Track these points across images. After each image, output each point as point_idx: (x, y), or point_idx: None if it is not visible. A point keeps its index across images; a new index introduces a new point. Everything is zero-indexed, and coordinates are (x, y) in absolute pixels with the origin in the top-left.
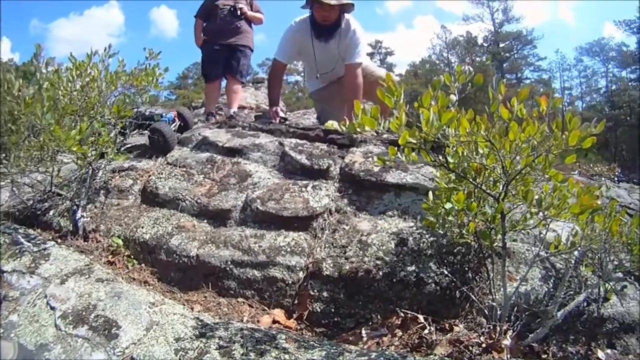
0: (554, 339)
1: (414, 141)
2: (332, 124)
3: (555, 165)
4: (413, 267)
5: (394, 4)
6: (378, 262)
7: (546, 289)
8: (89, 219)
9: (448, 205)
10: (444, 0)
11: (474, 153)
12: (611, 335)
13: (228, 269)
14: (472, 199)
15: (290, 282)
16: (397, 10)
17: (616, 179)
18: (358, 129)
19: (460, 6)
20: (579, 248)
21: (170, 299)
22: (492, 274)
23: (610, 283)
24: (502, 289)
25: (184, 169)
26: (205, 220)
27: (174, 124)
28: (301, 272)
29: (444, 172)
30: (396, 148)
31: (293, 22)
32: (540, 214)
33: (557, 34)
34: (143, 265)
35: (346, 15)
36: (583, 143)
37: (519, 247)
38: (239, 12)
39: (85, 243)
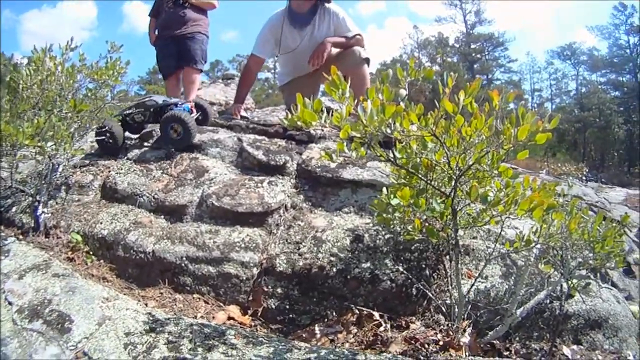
0: (516, 336)
1: (358, 135)
2: (280, 119)
3: (519, 162)
4: (368, 264)
5: (366, 5)
6: (332, 258)
7: (507, 286)
8: (49, 215)
9: (394, 201)
10: (417, 2)
11: (422, 148)
12: (577, 332)
13: (183, 265)
14: (423, 196)
15: (244, 278)
16: (369, 12)
17: (584, 178)
18: (298, 123)
19: (433, 9)
20: (537, 245)
21: (127, 295)
22: (449, 271)
23: (574, 280)
24: (460, 282)
25: (143, 165)
26: (162, 216)
27: (192, 115)
28: (255, 269)
29: (394, 168)
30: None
31: (270, 16)
32: (490, 211)
33: (529, 37)
34: (102, 261)
35: (328, 5)
36: (536, 138)
37: (479, 244)
38: (181, 0)
39: (46, 239)
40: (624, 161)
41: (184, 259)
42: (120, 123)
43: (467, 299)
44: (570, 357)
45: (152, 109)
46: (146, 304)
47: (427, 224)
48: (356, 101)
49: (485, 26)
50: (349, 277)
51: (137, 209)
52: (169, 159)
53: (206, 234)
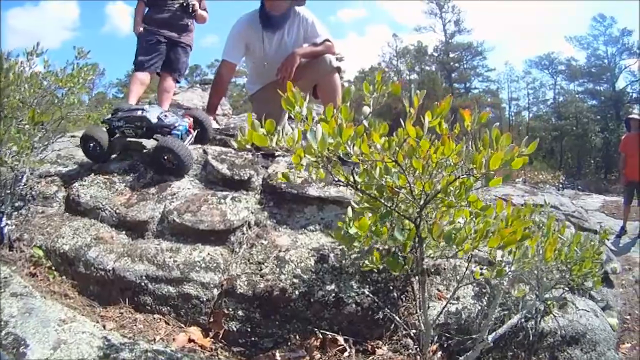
0: (490, 357)
1: (312, 159)
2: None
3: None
4: (333, 287)
5: (347, 13)
6: (295, 280)
7: (479, 307)
8: (13, 227)
9: (352, 230)
10: (398, 10)
11: (385, 173)
12: (553, 349)
13: (143, 284)
14: (387, 219)
15: (205, 299)
16: (350, 19)
17: (561, 185)
18: (246, 145)
19: (413, 19)
20: (509, 273)
21: (87, 313)
22: (418, 294)
23: (549, 300)
24: (426, 310)
25: (107, 176)
26: (124, 232)
27: (189, 137)
28: (215, 290)
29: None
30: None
31: (238, 19)
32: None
33: (508, 47)
34: (64, 277)
35: (298, 9)
36: (512, 164)
37: (449, 263)
38: (191, 8)
39: (10, 252)
40: (601, 168)
41: (144, 278)
42: (106, 129)
43: (437, 322)
44: None
45: (144, 128)
46: (104, 326)
47: (389, 255)
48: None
49: (464, 35)
50: (312, 300)
51: (99, 223)
52: (133, 171)
53: (167, 252)
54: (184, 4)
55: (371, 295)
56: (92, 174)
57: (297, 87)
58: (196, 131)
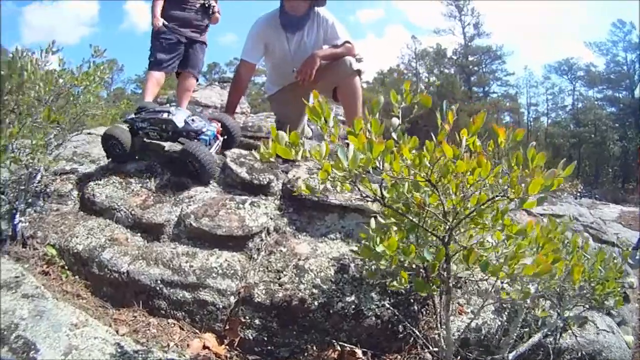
0: None
1: (340, 174)
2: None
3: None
4: (352, 298)
5: (366, 14)
6: (314, 290)
7: (499, 322)
8: (27, 224)
9: (380, 249)
10: (413, 12)
11: (414, 189)
12: None
13: (158, 288)
14: (413, 237)
15: (221, 306)
16: (368, 20)
17: (579, 194)
18: (270, 159)
19: (429, 20)
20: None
21: (100, 316)
22: (439, 307)
23: (569, 318)
24: (449, 326)
25: (123, 176)
26: (139, 234)
27: (216, 144)
28: (232, 297)
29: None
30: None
31: (258, 18)
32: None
33: (527, 51)
34: (77, 277)
35: (318, 9)
36: (552, 187)
37: (469, 277)
38: (211, 10)
39: (23, 249)
40: (618, 177)
41: (159, 282)
42: (129, 129)
43: (457, 337)
44: None
45: (170, 132)
46: (117, 330)
47: (415, 276)
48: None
49: (483, 39)
50: (331, 311)
51: (114, 224)
52: (149, 172)
53: (183, 257)
54: (206, 5)
55: (392, 308)
56: (108, 173)
57: (317, 89)
58: (223, 138)
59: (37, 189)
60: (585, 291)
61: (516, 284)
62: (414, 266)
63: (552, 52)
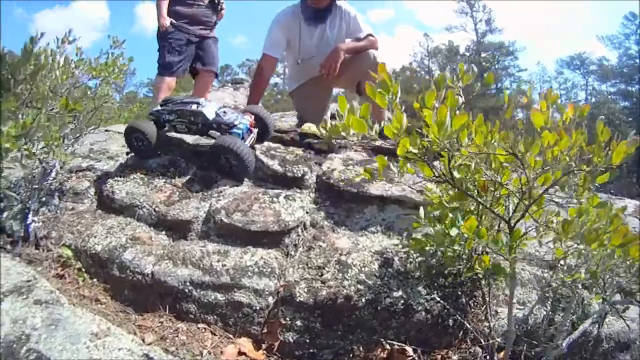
0: None
1: (415, 151)
2: (309, 127)
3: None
4: (400, 293)
5: (377, 13)
6: (360, 286)
7: (544, 312)
8: (40, 224)
9: (454, 232)
10: (424, 10)
11: (488, 167)
12: (606, 355)
13: (187, 290)
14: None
15: (258, 308)
16: (379, 19)
17: (593, 189)
18: (342, 133)
19: (440, 19)
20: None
21: (123, 320)
22: (487, 299)
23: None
24: (499, 316)
25: (144, 172)
26: (164, 232)
27: (250, 137)
28: (271, 297)
29: (444, 188)
30: (385, 157)
31: (279, 11)
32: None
33: (539, 46)
34: (95, 280)
35: (340, 3)
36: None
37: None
38: (219, 6)
39: (36, 251)
40: (633, 172)
41: (188, 283)
42: (154, 122)
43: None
44: None
45: (199, 124)
46: (143, 339)
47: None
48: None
49: (495, 35)
50: (379, 307)
51: (136, 222)
52: (173, 167)
53: (214, 255)
54: (215, 1)
55: (441, 301)
56: (128, 169)
57: (340, 83)
58: (256, 130)
59: (51, 186)
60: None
61: (559, 273)
62: (461, 255)
63: (565, 47)
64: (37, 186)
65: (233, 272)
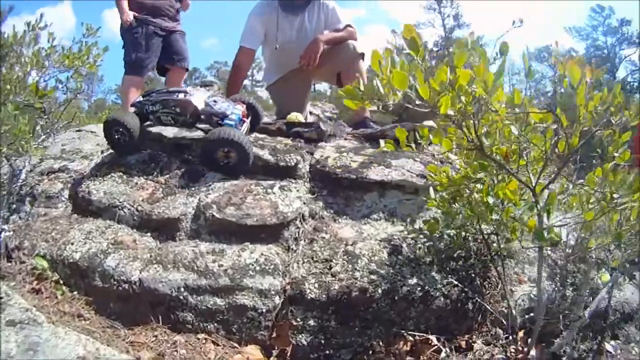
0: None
1: (453, 113)
2: (295, 116)
3: None
4: (415, 280)
5: (347, 13)
6: (373, 277)
7: (554, 287)
8: (11, 233)
9: (491, 200)
10: (396, 8)
11: (522, 131)
12: (614, 327)
13: (181, 297)
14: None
15: (264, 310)
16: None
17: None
18: (382, 91)
19: (412, 17)
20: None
21: (112, 337)
22: (503, 278)
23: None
24: (515, 295)
25: (123, 169)
26: (149, 233)
27: (243, 126)
28: (277, 297)
29: (469, 156)
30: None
31: (257, 3)
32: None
33: (507, 40)
34: (75, 293)
35: None
36: None
37: (516, 245)
38: None
39: (8, 264)
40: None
41: (182, 289)
42: (137, 114)
43: (523, 307)
44: (613, 352)
45: (187, 115)
46: (139, 358)
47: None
48: None
49: (464, 30)
50: (396, 297)
51: (117, 224)
52: (154, 162)
53: (208, 256)
54: None
55: (459, 284)
56: (105, 167)
57: (320, 75)
58: (248, 120)
59: (21, 191)
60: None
61: (561, 250)
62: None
63: (533, 39)
64: (5, 191)
65: (232, 273)
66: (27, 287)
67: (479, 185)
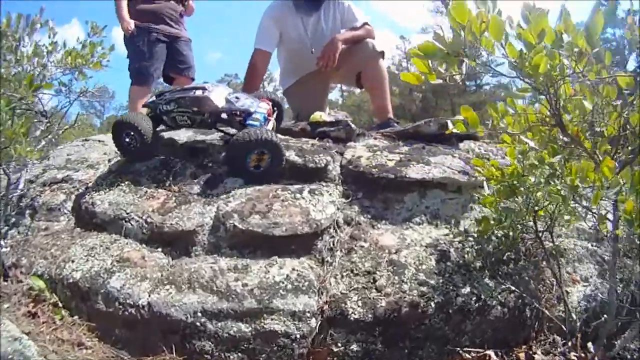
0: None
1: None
2: (320, 115)
3: None
4: (469, 288)
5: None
6: (423, 288)
7: (607, 286)
8: (8, 249)
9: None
10: (398, 15)
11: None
12: None
13: (198, 323)
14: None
15: (298, 336)
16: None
17: None
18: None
19: (417, 20)
20: None
21: None
22: (560, 279)
23: None
24: (572, 296)
25: (130, 177)
26: (160, 249)
27: (269, 125)
28: (313, 320)
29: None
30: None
31: (269, 5)
32: None
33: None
34: (76, 317)
35: None
36: None
37: (566, 242)
38: None
39: (4, 283)
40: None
41: (199, 314)
42: (150, 116)
43: (579, 308)
44: None
45: (205, 114)
46: None
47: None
48: None
49: None
50: (450, 310)
51: (123, 238)
52: (166, 168)
53: (229, 273)
54: None
55: (517, 290)
56: (112, 176)
57: (339, 76)
58: (273, 119)
59: (21, 203)
60: None
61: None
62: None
63: None
64: (3, 201)
65: (259, 293)
66: (22, 310)
67: (543, 172)
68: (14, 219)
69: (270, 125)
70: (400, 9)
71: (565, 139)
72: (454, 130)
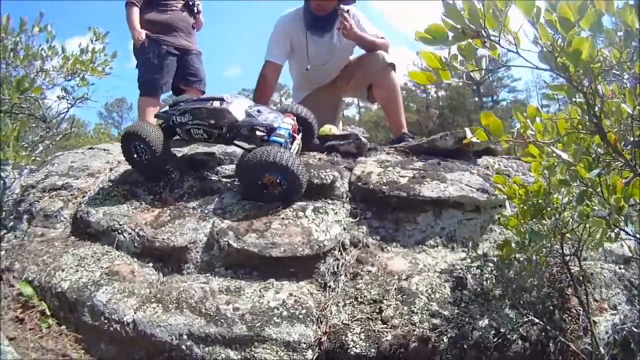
0: None
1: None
2: (329, 128)
3: None
4: (487, 321)
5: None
6: (435, 320)
7: (636, 313)
8: (3, 252)
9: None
10: (413, 30)
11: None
12: None
13: (184, 346)
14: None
15: None
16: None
17: None
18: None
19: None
20: None
21: None
22: (587, 308)
23: None
24: (599, 326)
25: (127, 187)
26: (150, 264)
27: (294, 144)
28: (310, 352)
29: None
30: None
31: (281, 16)
32: None
33: (532, 52)
34: (64, 327)
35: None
36: None
37: (592, 265)
38: (196, 9)
39: None
40: None
41: (185, 337)
42: (162, 127)
43: (607, 340)
44: None
45: (224, 128)
46: None
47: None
48: None
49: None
50: (465, 346)
51: (115, 250)
52: (163, 179)
53: (221, 295)
54: (190, 3)
55: (540, 322)
56: (110, 185)
57: (350, 89)
58: (299, 136)
59: (19, 208)
60: None
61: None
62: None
63: None
64: None
65: (251, 319)
66: (10, 315)
67: (571, 190)
68: (11, 223)
69: (295, 145)
70: (420, 26)
71: (603, 149)
72: (473, 140)
